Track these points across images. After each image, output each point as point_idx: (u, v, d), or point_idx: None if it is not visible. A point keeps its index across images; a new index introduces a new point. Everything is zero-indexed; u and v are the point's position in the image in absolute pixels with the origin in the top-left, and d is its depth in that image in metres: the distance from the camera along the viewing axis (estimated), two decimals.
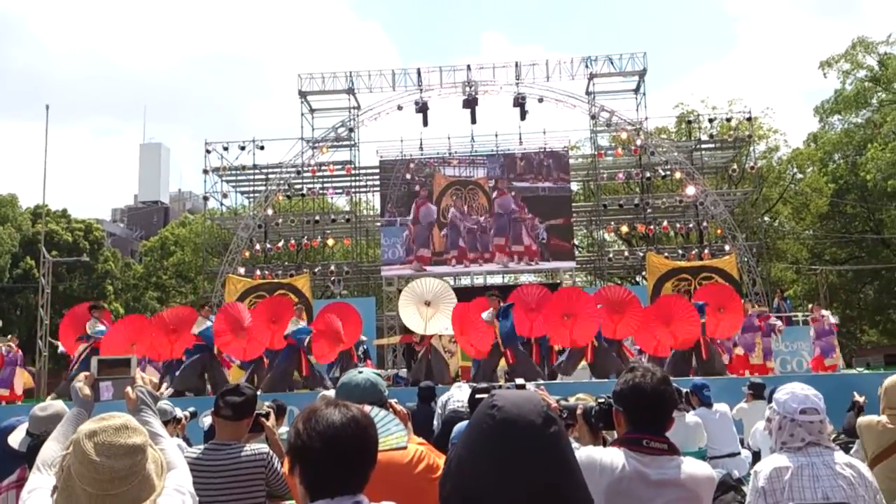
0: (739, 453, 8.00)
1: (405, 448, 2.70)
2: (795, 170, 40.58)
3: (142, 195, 75.12)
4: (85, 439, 1.95)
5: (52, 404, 3.94)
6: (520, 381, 3.34)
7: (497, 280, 29.76)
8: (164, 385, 12.85)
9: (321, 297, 29.79)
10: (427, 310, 14.92)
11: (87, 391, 2.51)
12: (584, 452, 2.53)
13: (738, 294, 23.17)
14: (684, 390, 7.46)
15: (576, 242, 33.48)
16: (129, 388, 2.53)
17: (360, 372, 2.93)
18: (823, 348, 15.37)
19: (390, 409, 2.89)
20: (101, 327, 13.77)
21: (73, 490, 1.93)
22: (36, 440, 3.29)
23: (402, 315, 15.51)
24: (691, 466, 2.57)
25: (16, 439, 3.76)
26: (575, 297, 13.74)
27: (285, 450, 2.08)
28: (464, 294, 18.96)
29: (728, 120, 30.62)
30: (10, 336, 16.62)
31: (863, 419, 4.40)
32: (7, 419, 4.16)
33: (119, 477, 1.93)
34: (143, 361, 13.69)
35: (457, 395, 7.19)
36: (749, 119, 31.10)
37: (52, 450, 2.27)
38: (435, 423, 7.44)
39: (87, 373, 2.55)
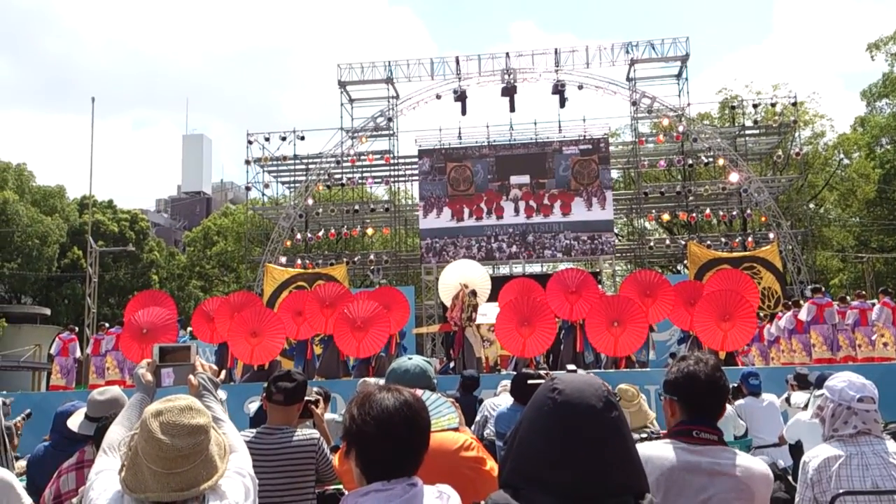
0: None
1: (457, 430, 2.73)
2: (842, 155, 39.71)
3: (185, 186, 76.33)
4: (151, 418, 2.02)
5: (109, 389, 4.07)
6: (571, 366, 3.34)
7: (536, 269, 29.68)
8: (223, 372, 13.35)
9: (360, 286, 30.02)
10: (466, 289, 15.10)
11: (149, 377, 2.59)
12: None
13: (782, 282, 22.85)
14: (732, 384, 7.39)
15: (616, 231, 33.21)
16: (190, 375, 2.61)
17: (410, 358, 2.98)
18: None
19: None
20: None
21: (140, 468, 2.00)
22: (102, 423, 3.40)
23: (442, 288, 15.73)
24: (746, 460, 2.53)
25: (75, 423, 3.88)
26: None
27: (340, 434, 2.12)
28: (501, 283, 18.99)
29: (773, 105, 30.06)
30: (70, 326, 17.11)
31: None
32: (63, 405, 4.31)
33: (182, 455, 1.99)
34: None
35: (495, 402, 7.25)
36: (794, 104, 30.50)
37: (116, 433, 2.34)
38: (477, 415, 7.44)
39: (148, 360, 2.63)
